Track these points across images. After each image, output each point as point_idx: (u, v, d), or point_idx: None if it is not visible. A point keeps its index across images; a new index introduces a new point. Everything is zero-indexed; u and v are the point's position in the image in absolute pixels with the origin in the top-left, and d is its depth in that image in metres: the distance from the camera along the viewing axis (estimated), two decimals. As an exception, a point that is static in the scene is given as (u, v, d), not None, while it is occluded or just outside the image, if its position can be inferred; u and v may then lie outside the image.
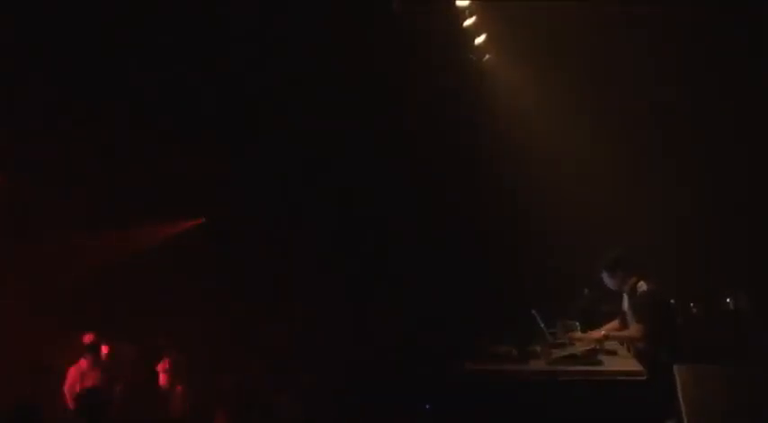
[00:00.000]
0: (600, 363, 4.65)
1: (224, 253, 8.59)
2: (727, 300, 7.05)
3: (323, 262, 8.42)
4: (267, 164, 8.44)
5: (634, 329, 5.15)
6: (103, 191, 7.89)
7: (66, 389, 6.69)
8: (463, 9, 7.39)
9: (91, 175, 7.77)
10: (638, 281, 5.26)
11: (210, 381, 7.35)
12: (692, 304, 6.87)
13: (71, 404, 6.46)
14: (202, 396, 7.19)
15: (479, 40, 7.65)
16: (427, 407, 5.56)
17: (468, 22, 7.47)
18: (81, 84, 6.91)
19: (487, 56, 7.83)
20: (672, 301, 6.85)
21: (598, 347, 5.02)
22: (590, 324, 5.72)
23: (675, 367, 4.01)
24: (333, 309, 8.11)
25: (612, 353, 5.12)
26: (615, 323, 5.55)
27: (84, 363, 6.78)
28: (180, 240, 8.85)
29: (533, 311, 5.32)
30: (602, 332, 5.26)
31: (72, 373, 6.74)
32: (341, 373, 6.84)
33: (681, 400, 3.78)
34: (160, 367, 7.48)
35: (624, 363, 4.80)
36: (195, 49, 7.13)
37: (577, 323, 5.85)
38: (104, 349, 6.96)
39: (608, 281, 5.45)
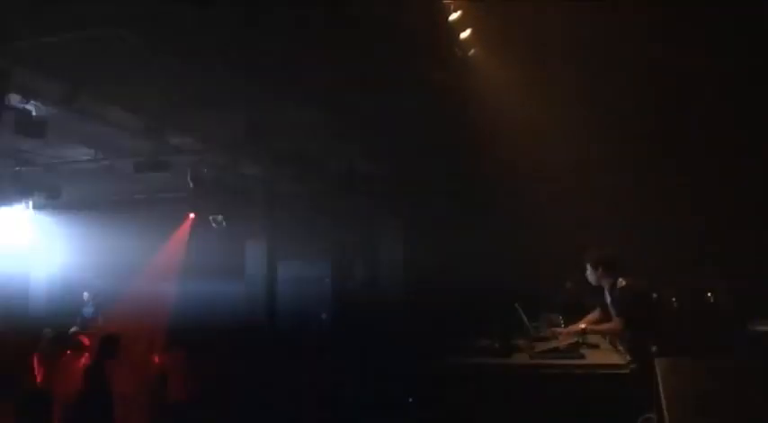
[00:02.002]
0: (582, 356, 4.69)
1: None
2: (708, 295, 7.13)
3: (307, 254, 8.41)
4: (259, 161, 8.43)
5: (615, 322, 5.22)
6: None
7: None
8: (448, 4, 7.39)
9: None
10: (617, 278, 5.34)
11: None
12: (673, 299, 6.93)
13: None
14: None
15: (465, 34, 7.65)
16: (411, 400, 5.57)
17: (454, 16, 7.47)
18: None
19: (473, 50, 7.83)
20: (654, 295, 6.92)
21: (581, 341, 5.07)
22: (573, 318, 5.76)
23: (656, 360, 4.05)
24: (317, 303, 8.11)
25: (595, 346, 5.17)
26: (596, 314, 5.60)
27: None
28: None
29: (516, 305, 5.35)
30: (582, 325, 5.31)
31: None
32: (327, 369, 6.85)
33: (661, 393, 3.81)
34: None
35: (606, 356, 4.85)
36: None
37: (560, 317, 5.90)
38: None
39: (590, 275, 5.51)
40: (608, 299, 5.44)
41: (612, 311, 5.40)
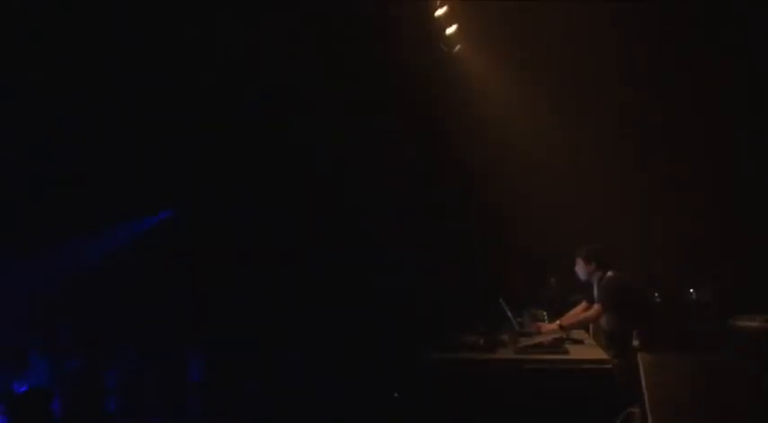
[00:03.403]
0: (566, 351, 4.71)
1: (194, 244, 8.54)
2: (690, 290, 7.19)
3: (290, 249, 8.39)
4: (239, 155, 8.39)
5: (594, 309, 5.27)
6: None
7: None
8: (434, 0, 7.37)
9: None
10: (607, 272, 5.38)
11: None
12: (656, 294, 6.98)
13: None
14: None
15: (450, 30, 7.64)
16: (395, 395, 5.56)
17: (440, 12, 7.46)
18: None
19: (458, 46, 7.83)
20: (639, 290, 6.96)
21: (564, 336, 5.10)
22: (557, 313, 5.78)
23: (639, 355, 4.08)
24: (300, 297, 8.09)
25: (578, 342, 5.20)
26: (580, 308, 5.64)
27: None
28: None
29: (501, 300, 5.37)
30: (556, 323, 5.36)
31: None
32: (309, 362, 6.83)
33: (644, 387, 3.84)
34: None
35: (590, 351, 4.88)
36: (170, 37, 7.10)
37: (545, 312, 5.92)
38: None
39: (580, 270, 5.55)
40: (596, 293, 5.48)
41: None
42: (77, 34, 6.73)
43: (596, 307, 5.27)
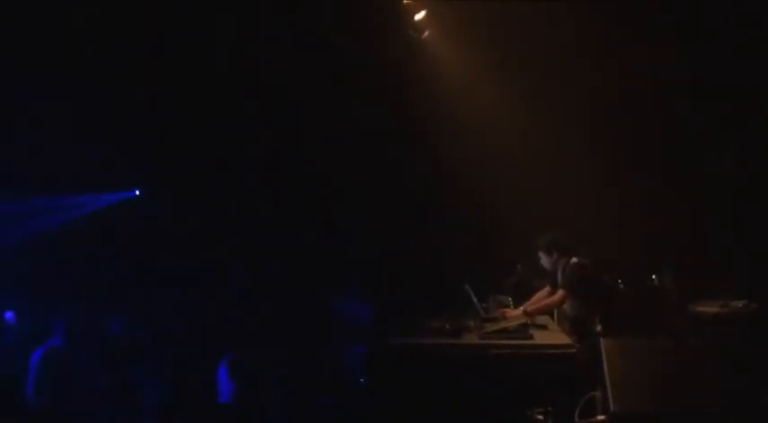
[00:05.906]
0: (530, 336, 4.76)
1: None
2: (652, 277, 7.29)
3: (257, 234, 8.33)
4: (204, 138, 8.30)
5: (557, 295, 5.34)
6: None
7: None
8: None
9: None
10: (571, 259, 5.44)
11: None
12: (619, 280, 7.08)
13: None
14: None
15: (419, 16, 7.62)
16: (362, 381, 5.58)
17: (408, -2, 7.43)
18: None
19: (427, 32, 7.81)
20: (603, 277, 7.05)
21: (529, 322, 5.15)
22: (522, 299, 5.84)
23: (601, 340, 4.15)
24: (266, 283, 8.05)
25: (543, 327, 5.27)
26: (543, 292, 5.70)
27: None
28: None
29: (466, 286, 5.40)
30: (521, 309, 5.41)
31: None
32: (274, 349, 6.81)
33: (606, 371, 3.90)
34: None
35: (554, 336, 4.94)
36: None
37: (510, 298, 5.97)
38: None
39: (544, 261, 5.61)
40: (560, 280, 5.55)
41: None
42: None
43: (560, 292, 5.33)
